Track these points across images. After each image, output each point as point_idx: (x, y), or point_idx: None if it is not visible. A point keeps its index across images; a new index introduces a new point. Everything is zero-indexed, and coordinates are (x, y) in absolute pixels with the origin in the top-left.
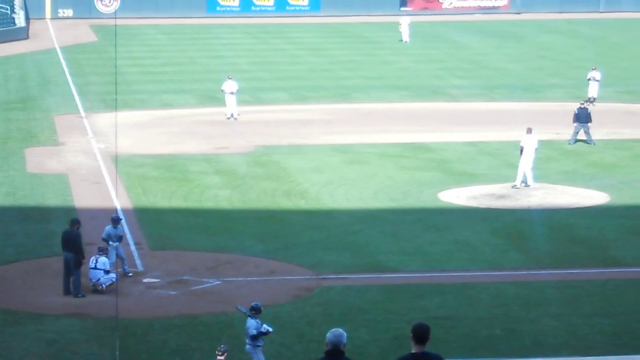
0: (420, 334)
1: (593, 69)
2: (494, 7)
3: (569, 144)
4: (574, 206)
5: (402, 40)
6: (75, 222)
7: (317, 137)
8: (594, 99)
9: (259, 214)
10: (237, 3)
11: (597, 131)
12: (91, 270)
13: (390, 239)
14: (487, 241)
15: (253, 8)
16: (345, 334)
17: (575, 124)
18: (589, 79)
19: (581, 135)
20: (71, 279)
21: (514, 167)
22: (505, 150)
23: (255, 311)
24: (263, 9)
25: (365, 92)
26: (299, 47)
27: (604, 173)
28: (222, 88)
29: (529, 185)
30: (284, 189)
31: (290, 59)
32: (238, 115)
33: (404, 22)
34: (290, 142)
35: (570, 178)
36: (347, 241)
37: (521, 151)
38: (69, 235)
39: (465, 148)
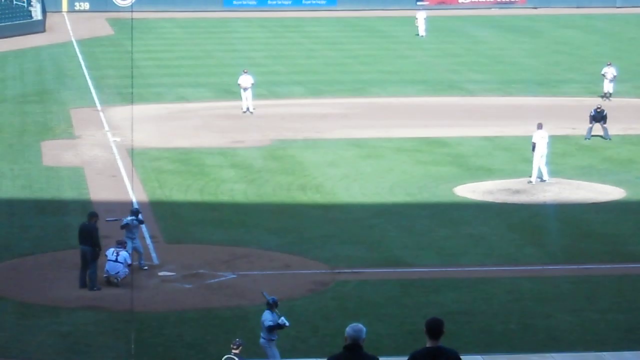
0: (434, 329)
1: (608, 65)
2: (510, 2)
3: (586, 139)
4: (590, 201)
5: (418, 35)
6: (93, 216)
7: (332, 131)
8: (610, 94)
9: (275, 208)
10: None
11: (613, 126)
12: (110, 262)
13: (405, 234)
14: (503, 236)
15: (269, 2)
16: (364, 329)
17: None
18: (603, 74)
19: (597, 131)
20: (87, 272)
21: (530, 162)
22: (521, 145)
23: (272, 305)
24: (279, 3)
25: (381, 87)
26: (314, 41)
27: (620, 168)
28: (238, 82)
29: (544, 180)
30: (300, 183)
31: (306, 53)
32: (254, 109)
33: (420, 17)
34: (305, 136)
35: (586, 173)
36: (362, 235)
37: (533, 147)
38: (87, 229)
39: (481, 143)
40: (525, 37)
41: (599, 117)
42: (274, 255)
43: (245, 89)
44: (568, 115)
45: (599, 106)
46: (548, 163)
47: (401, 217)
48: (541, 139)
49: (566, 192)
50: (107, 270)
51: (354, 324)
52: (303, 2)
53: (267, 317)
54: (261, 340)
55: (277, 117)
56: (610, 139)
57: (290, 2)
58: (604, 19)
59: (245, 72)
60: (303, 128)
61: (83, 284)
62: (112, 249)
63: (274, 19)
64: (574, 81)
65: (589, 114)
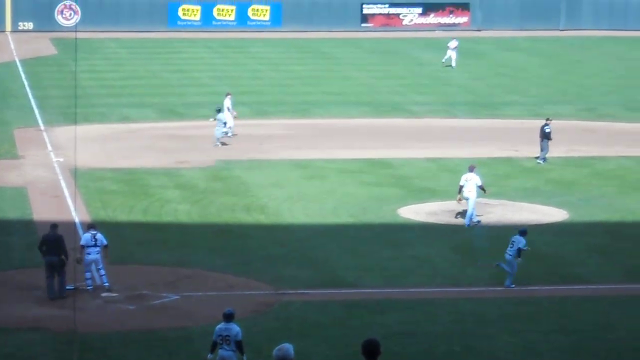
0: (370, 350)
1: None
2: (454, 24)
3: (538, 160)
4: (533, 223)
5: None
6: (56, 226)
7: (277, 152)
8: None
9: (219, 229)
10: (198, 17)
11: (557, 148)
12: (91, 248)
13: (349, 255)
14: (446, 257)
15: (214, 22)
16: (291, 348)
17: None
18: None
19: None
20: (57, 280)
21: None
22: (465, 167)
23: (228, 317)
24: (224, 23)
25: (325, 108)
26: (259, 62)
27: (563, 190)
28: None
29: (469, 225)
30: (244, 203)
31: (251, 74)
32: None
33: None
34: (250, 156)
35: (529, 195)
36: (307, 256)
37: (460, 190)
38: (53, 238)
39: (425, 164)
40: (469, 60)
41: (545, 132)
42: (218, 276)
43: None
44: (511, 137)
45: (548, 119)
46: (474, 208)
47: (345, 238)
48: (467, 182)
49: (509, 214)
50: (90, 260)
51: (281, 345)
52: (248, 22)
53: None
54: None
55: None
56: (545, 162)
57: (235, 23)
58: (547, 42)
59: (229, 95)
60: (247, 149)
61: (52, 294)
62: (88, 235)
63: (218, 40)
64: (517, 103)
65: (540, 134)
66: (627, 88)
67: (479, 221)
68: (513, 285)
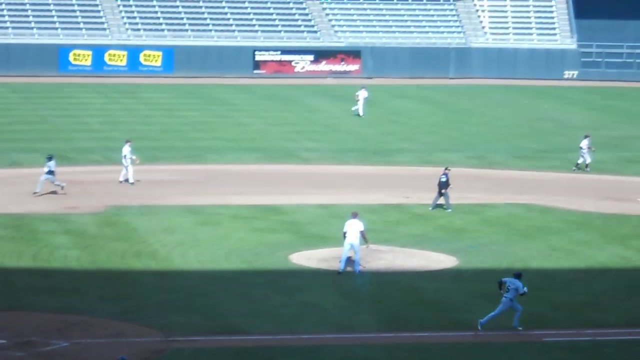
0: None
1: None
2: (346, 72)
3: (448, 210)
4: (423, 269)
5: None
6: None
7: (168, 197)
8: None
9: (109, 275)
10: (89, 62)
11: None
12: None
13: (241, 301)
14: (337, 304)
15: (105, 68)
16: None
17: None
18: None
19: (440, 200)
20: None
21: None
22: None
23: None
24: (115, 68)
25: (218, 154)
26: (151, 107)
27: (453, 237)
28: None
29: (340, 272)
30: (135, 249)
31: (142, 119)
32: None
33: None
34: (141, 202)
35: (419, 242)
36: (198, 303)
37: (344, 235)
38: None
39: (317, 210)
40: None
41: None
42: (108, 323)
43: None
44: (402, 184)
45: (447, 168)
46: (358, 253)
47: (237, 285)
48: (351, 228)
49: (399, 260)
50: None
51: None
52: (139, 68)
53: None
54: None
55: (112, 183)
56: (450, 210)
57: (126, 68)
58: (437, 90)
59: (128, 142)
60: (138, 194)
61: None
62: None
63: (110, 85)
64: (408, 150)
65: (438, 182)
66: (516, 136)
67: (349, 269)
68: (520, 328)
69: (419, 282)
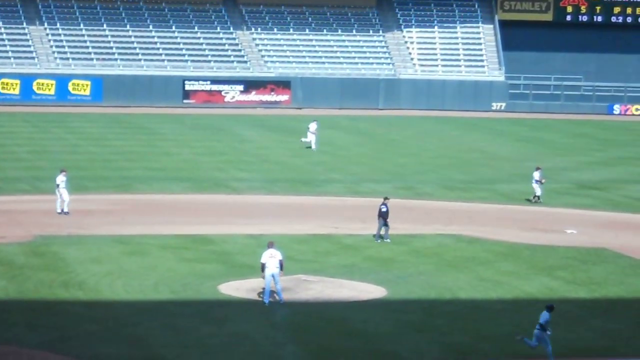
0: None
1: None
2: (275, 102)
3: (376, 240)
4: (352, 300)
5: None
6: None
7: (97, 227)
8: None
9: (36, 305)
10: (17, 91)
11: (374, 225)
12: None
13: (169, 332)
14: (266, 334)
15: (34, 97)
16: None
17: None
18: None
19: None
20: None
21: (293, 259)
22: (285, 244)
23: None
24: (44, 97)
25: (147, 183)
26: (79, 136)
27: (381, 267)
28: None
29: (264, 303)
30: (62, 279)
31: (71, 149)
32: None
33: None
34: (69, 232)
35: (348, 272)
36: (126, 333)
37: (262, 268)
38: None
39: (246, 240)
40: (291, 137)
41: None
42: (35, 353)
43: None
44: (331, 214)
45: (386, 198)
46: (279, 283)
47: (165, 315)
48: (270, 258)
49: (328, 290)
50: None
51: None
52: (68, 97)
53: None
54: None
55: (40, 213)
56: (389, 241)
57: (55, 97)
58: (367, 120)
59: (63, 172)
60: (67, 224)
61: None
62: None
63: (38, 114)
64: (337, 181)
65: (378, 213)
66: (444, 167)
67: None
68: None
69: (347, 312)
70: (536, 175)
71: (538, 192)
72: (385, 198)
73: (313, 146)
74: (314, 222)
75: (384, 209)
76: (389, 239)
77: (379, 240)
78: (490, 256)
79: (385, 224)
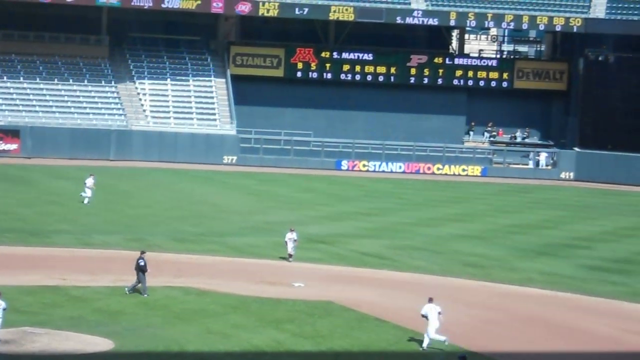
0: None
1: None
2: (4, 151)
3: (128, 291)
4: (78, 352)
5: None
6: None
7: None
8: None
9: None
10: None
11: (104, 277)
12: None
13: None
14: None
15: None
16: None
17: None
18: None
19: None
20: None
21: (19, 311)
22: (11, 295)
23: None
24: None
25: None
26: None
27: (109, 320)
28: None
29: None
30: None
31: None
32: None
33: None
34: None
35: (75, 324)
36: None
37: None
38: None
39: None
40: (19, 187)
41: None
42: None
43: None
44: (59, 266)
45: (143, 252)
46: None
47: None
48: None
49: (55, 343)
50: None
51: None
52: None
53: None
54: None
55: None
56: (147, 295)
57: None
58: (98, 171)
59: None
60: None
61: None
62: None
63: None
64: (67, 232)
65: (135, 266)
66: (175, 219)
67: None
68: None
69: None
70: (288, 236)
71: (290, 250)
72: (142, 252)
73: (86, 201)
74: (42, 273)
75: (142, 263)
76: (147, 293)
77: (130, 292)
78: (219, 308)
79: (143, 278)
